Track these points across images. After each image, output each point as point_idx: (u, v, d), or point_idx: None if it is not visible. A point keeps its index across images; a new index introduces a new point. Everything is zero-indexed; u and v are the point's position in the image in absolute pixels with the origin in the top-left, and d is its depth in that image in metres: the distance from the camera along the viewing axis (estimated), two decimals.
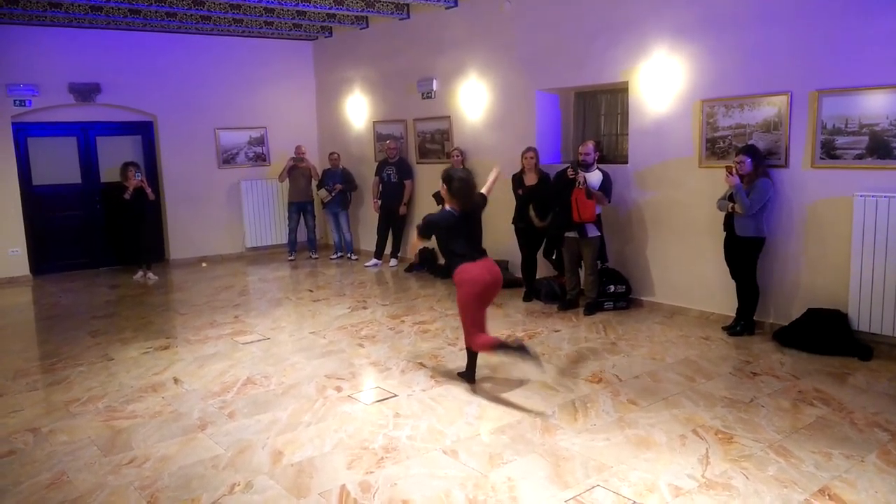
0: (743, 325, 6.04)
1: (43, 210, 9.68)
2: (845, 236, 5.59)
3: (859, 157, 5.46)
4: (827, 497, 3.34)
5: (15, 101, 9.16)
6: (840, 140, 5.55)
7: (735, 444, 3.92)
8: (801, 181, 5.83)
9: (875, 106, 5.34)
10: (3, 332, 6.92)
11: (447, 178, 4.91)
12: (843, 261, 5.63)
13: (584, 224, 6.72)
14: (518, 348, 4.58)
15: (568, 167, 6.78)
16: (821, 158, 5.67)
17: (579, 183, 6.59)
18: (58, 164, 9.78)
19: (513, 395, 4.74)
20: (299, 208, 10.44)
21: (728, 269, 6.12)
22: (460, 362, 5.46)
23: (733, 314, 6.18)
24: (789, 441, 3.95)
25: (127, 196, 8.90)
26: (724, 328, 6.15)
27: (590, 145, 6.79)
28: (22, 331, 7.11)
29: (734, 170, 5.77)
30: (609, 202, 6.87)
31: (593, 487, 3.48)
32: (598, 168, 6.82)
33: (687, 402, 4.56)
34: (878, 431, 4.05)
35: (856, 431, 4.07)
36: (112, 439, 4.20)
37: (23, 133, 9.45)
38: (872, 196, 5.36)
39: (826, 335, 5.48)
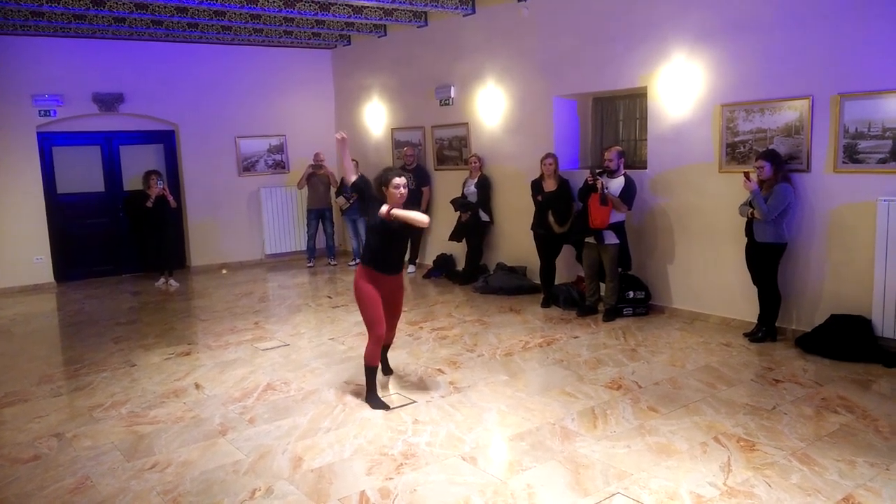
0: (765, 331, 5.98)
1: (67, 218, 9.83)
2: (868, 241, 5.51)
3: (882, 161, 5.39)
4: None
5: (40, 111, 9.34)
6: (863, 144, 5.49)
7: (757, 452, 3.88)
8: (823, 186, 5.76)
9: None
10: (28, 339, 7.03)
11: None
12: (866, 266, 5.56)
13: (601, 230, 6.69)
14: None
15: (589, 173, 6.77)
16: (843, 163, 5.61)
17: (598, 188, 6.58)
18: (82, 173, 9.94)
19: (532, 402, 4.73)
20: (318, 215, 10.52)
21: (749, 275, 6.06)
22: (479, 369, 5.48)
23: (755, 320, 6.12)
24: (812, 449, 3.90)
25: (149, 204, 9.02)
26: (746, 334, 6.09)
27: (613, 151, 6.75)
28: (46, 337, 7.22)
29: (752, 175, 5.72)
30: (629, 209, 6.80)
31: (613, 495, 3.46)
32: (624, 173, 6.78)
33: (708, 409, 4.52)
34: None
35: (880, 439, 4.01)
36: (135, 444, 4.25)
37: (48, 142, 9.61)
38: None
39: (849, 342, 5.41)
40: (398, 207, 4.60)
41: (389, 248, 4.77)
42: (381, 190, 4.72)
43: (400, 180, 4.66)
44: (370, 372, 4.82)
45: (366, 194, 4.77)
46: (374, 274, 4.76)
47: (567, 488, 3.54)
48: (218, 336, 6.74)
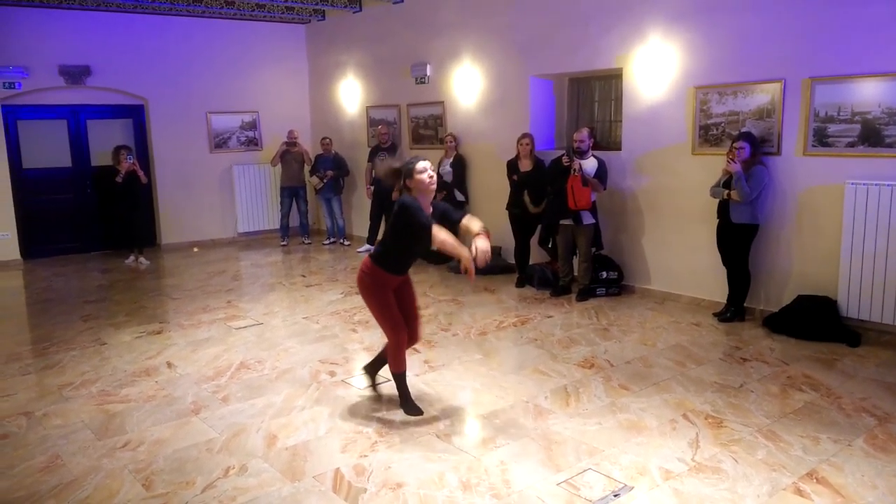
0: (733, 311, 6.08)
1: (33, 194, 9.60)
2: (835, 224, 5.62)
3: (851, 144, 5.49)
4: (814, 480, 3.39)
5: (4, 83, 9.07)
6: (832, 128, 5.58)
7: (725, 429, 3.97)
8: (793, 168, 5.85)
9: (867, 94, 5.36)
10: None
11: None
12: (833, 248, 5.67)
13: (579, 211, 6.73)
14: None
15: (563, 155, 6.78)
16: (813, 146, 5.70)
17: (575, 170, 6.60)
18: (48, 148, 9.70)
19: (505, 380, 4.78)
20: (291, 193, 10.42)
21: (720, 256, 6.15)
22: (454, 347, 5.51)
23: (724, 300, 6.22)
24: (778, 426, 4.00)
25: (119, 180, 8.85)
26: (715, 314, 6.20)
27: (584, 132, 6.79)
28: (13, 315, 7.08)
29: (734, 156, 5.77)
30: (604, 189, 6.88)
31: (585, 471, 3.52)
32: (593, 155, 6.83)
33: (678, 387, 4.60)
34: (865, 416, 4.11)
35: (843, 416, 4.12)
36: (106, 423, 4.21)
37: (12, 116, 9.35)
38: (863, 184, 5.39)
39: (815, 322, 5.53)
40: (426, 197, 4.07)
41: (413, 252, 4.24)
42: (406, 183, 4.06)
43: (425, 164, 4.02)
44: (399, 379, 4.30)
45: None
46: (385, 275, 4.15)
47: (540, 464, 3.59)
48: (190, 315, 6.67)
